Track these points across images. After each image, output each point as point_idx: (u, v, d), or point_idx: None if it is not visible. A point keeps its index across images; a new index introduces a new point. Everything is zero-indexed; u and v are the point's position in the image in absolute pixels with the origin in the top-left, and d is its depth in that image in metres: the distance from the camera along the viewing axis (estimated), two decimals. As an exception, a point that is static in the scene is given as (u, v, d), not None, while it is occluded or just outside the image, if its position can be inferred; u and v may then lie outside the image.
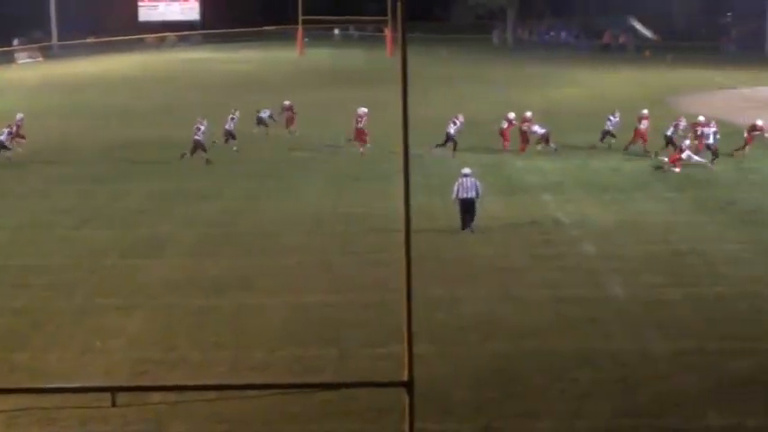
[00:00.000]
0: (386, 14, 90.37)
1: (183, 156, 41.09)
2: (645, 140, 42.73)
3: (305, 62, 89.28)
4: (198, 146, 41.26)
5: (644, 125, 42.86)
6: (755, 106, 56.78)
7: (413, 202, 12.00)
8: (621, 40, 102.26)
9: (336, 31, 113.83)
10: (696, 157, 39.43)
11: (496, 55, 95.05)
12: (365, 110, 44.52)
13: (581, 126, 48.13)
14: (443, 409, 18.22)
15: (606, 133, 43.85)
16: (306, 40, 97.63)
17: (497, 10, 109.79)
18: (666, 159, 39.55)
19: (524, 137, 43.29)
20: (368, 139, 43.62)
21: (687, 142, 39.88)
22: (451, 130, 42.92)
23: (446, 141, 42.75)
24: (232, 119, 44.56)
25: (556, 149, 42.71)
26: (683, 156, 39.19)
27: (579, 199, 34.73)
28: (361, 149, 43.22)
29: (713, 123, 41.60)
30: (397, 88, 11.83)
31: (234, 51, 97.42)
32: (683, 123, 42.04)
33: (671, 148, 40.50)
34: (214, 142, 43.03)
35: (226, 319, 23.13)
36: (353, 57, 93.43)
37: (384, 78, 60.60)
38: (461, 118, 43.73)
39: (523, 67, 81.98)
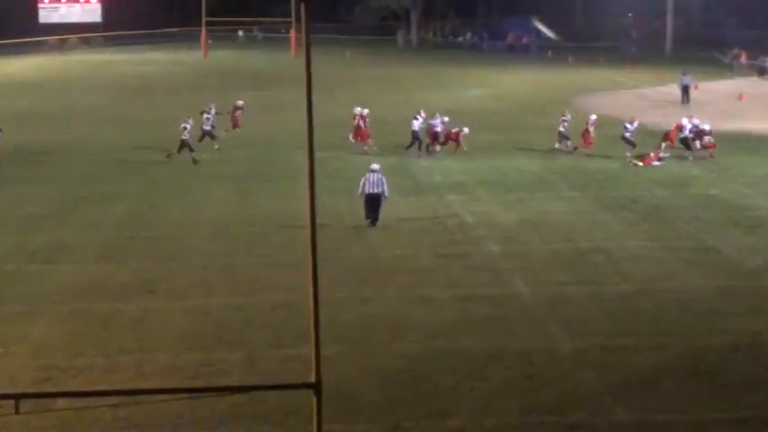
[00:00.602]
0: (290, 16, 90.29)
1: (169, 155, 41.33)
2: (588, 144, 43.22)
3: (209, 64, 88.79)
4: (185, 145, 41.36)
5: (592, 129, 43.47)
6: (655, 105, 57.65)
7: (318, 203, 11.99)
8: (525, 40, 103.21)
9: (240, 33, 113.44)
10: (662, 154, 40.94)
11: (401, 56, 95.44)
12: (367, 110, 44.80)
13: (486, 126, 48.48)
14: (352, 409, 18.22)
15: (561, 135, 44.10)
16: (210, 41, 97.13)
17: (401, 11, 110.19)
18: (640, 163, 40.44)
19: (433, 135, 43.38)
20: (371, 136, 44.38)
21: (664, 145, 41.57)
22: (416, 127, 43.07)
23: (413, 141, 43.03)
24: (207, 119, 44.38)
25: (437, 151, 42.92)
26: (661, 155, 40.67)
27: (484, 198, 34.96)
28: (365, 148, 43.63)
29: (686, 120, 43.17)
30: (302, 89, 11.83)
31: (137, 53, 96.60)
32: (635, 123, 42.59)
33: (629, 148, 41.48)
34: (169, 155, 42.81)
35: (131, 323, 22.88)
36: (258, 58, 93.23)
37: (289, 79, 60.69)
38: (423, 114, 43.91)
39: (428, 68, 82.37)
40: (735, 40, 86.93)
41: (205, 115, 44.48)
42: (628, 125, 42.34)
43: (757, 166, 40.50)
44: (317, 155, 11.86)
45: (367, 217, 31.04)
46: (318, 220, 12.26)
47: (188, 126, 41.70)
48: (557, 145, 43.81)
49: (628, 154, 40.92)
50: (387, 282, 25.70)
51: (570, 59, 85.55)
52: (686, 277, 26.08)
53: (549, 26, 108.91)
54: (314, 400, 12.43)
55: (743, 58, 79.74)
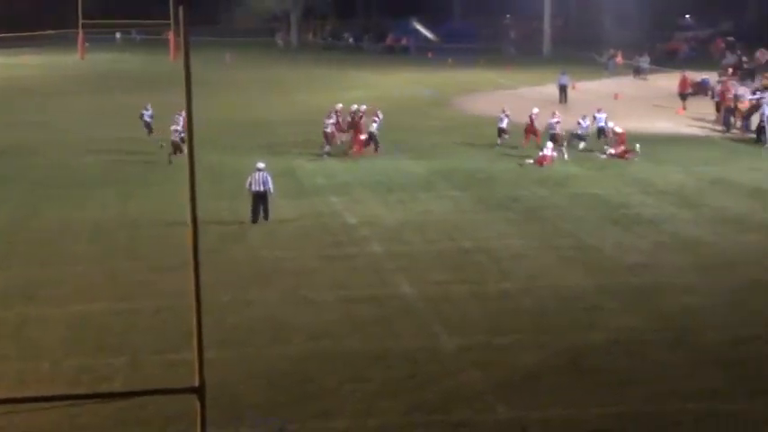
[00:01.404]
0: (168, 18, 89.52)
1: (170, 162, 40.68)
2: (538, 137, 44.12)
3: (87, 66, 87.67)
4: (176, 146, 41.20)
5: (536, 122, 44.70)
6: (534, 105, 58.21)
7: (200, 205, 11.91)
8: (404, 42, 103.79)
9: (118, 35, 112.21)
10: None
11: (282, 58, 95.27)
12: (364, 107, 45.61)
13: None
14: (236, 413, 18.13)
15: (502, 131, 45.12)
16: (87, 44, 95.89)
17: (281, 13, 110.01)
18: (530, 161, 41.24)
19: (327, 136, 43.37)
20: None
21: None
22: (373, 128, 43.12)
23: (370, 141, 43.23)
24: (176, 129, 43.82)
25: (327, 154, 42.96)
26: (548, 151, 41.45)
27: (366, 200, 35.05)
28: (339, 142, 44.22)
29: (602, 110, 46.03)
30: (182, 92, 11.74)
31: (11, 56, 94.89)
32: (556, 118, 43.77)
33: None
34: (162, 146, 42.61)
35: (10, 330, 22.47)
36: (136, 61, 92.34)
37: (168, 82, 60.10)
38: (380, 114, 44.14)
39: (310, 70, 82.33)
40: (611, 40, 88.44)
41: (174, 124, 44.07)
42: (581, 121, 44.49)
43: (634, 164, 41.20)
44: (198, 157, 11.80)
45: (253, 217, 31.44)
46: (202, 225, 12.22)
47: (178, 127, 41.46)
48: (499, 141, 44.93)
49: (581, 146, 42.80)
50: (270, 284, 25.64)
51: (450, 60, 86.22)
52: (567, 275, 26.45)
53: (428, 27, 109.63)
54: (197, 404, 12.34)
55: (619, 59, 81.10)
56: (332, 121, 43.38)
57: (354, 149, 42.88)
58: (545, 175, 38.96)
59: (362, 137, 43.09)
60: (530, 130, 44.28)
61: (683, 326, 22.66)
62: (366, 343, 21.61)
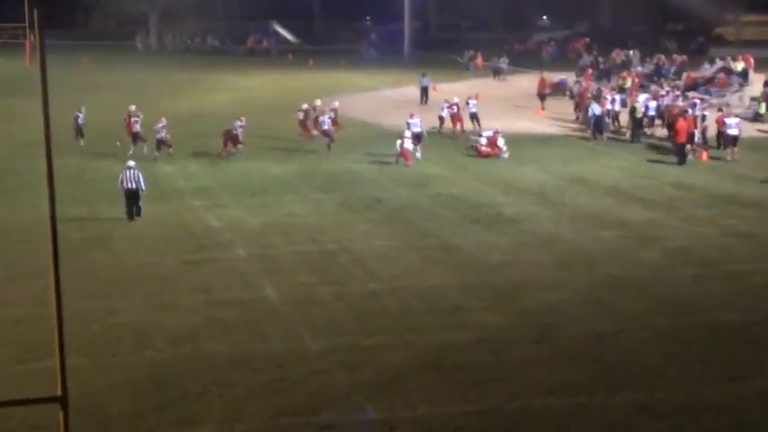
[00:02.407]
0: (24, 21, 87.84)
1: (155, 159, 41.11)
2: (462, 124, 48.69)
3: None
4: (162, 143, 42.40)
5: (448, 111, 48.98)
6: (396, 107, 58.59)
7: (60, 211, 11.73)
8: (265, 44, 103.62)
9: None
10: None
11: (142, 61, 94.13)
12: (307, 105, 47.88)
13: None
14: (100, 422, 17.87)
15: (441, 120, 48.88)
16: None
17: (140, 15, 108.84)
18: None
19: (231, 137, 43.49)
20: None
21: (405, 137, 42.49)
22: (325, 125, 44.27)
23: (328, 139, 44.35)
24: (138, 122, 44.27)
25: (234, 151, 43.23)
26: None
27: (229, 203, 34.88)
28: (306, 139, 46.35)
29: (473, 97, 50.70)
30: (39, 97, 11.56)
31: None
32: (416, 117, 45.28)
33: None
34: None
35: None
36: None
37: (25, 87, 58.94)
38: (329, 114, 45.47)
39: (170, 73, 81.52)
40: (472, 42, 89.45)
41: (133, 118, 44.25)
42: (469, 101, 49.50)
43: (494, 164, 41.75)
44: (57, 163, 11.61)
45: (128, 215, 32.13)
46: (60, 229, 12.02)
47: (161, 125, 42.60)
48: (437, 129, 48.33)
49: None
50: (133, 290, 25.33)
51: (311, 62, 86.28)
52: (431, 275, 26.65)
53: (289, 30, 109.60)
54: (60, 414, 12.16)
55: (479, 60, 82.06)
56: (240, 123, 43.89)
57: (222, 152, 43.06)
58: (407, 175, 39.23)
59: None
60: (457, 117, 48.44)
61: (546, 323, 23.01)
62: (231, 346, 21.50)
